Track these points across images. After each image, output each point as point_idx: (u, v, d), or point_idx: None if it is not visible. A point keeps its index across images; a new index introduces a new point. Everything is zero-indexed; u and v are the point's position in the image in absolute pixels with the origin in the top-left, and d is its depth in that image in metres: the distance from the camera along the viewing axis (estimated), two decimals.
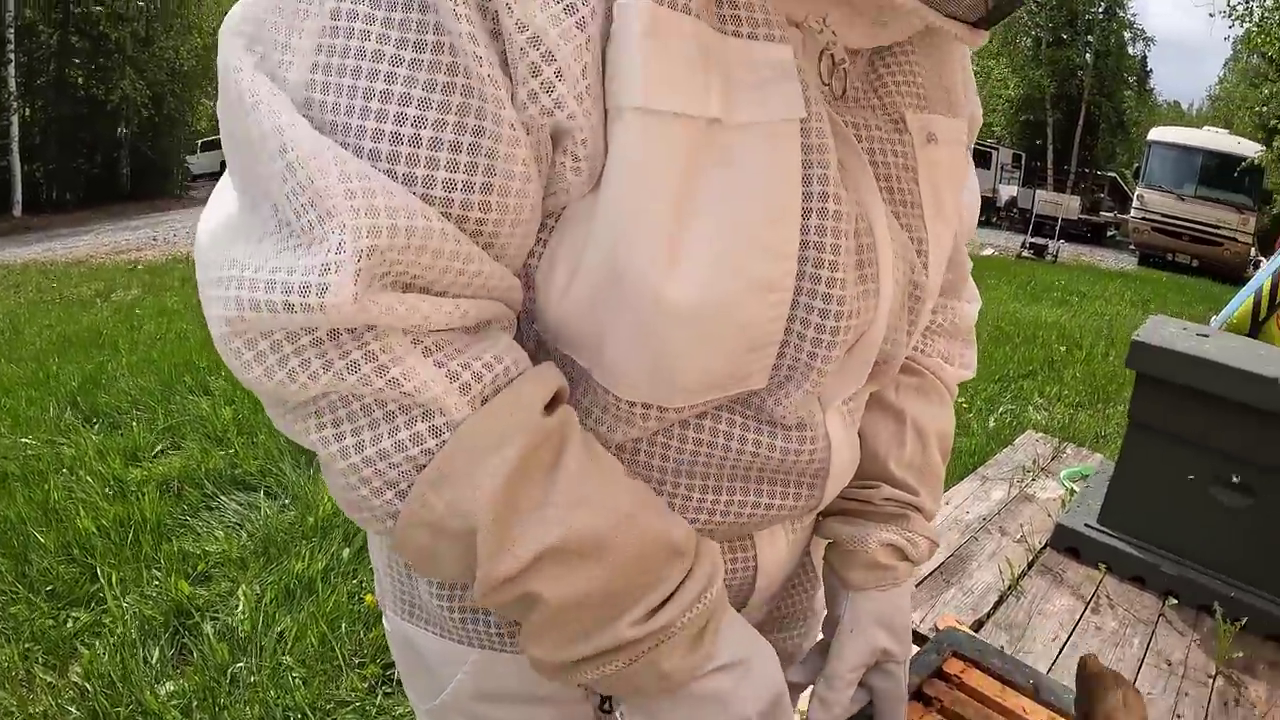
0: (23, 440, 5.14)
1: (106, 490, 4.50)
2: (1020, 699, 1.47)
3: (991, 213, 39.79)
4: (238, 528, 4.15)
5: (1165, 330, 3.58)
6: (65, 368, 6.77)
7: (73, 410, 5.75)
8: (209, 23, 35.76)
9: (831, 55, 0.93)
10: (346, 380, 0.73)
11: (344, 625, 3.27)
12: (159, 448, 5.17)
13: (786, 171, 0.82)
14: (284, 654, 3.10)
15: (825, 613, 1.34)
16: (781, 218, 0.83)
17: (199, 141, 42.78)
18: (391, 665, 3.03)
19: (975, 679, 1.51)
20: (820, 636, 1.34)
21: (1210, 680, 2.94)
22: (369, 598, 3.43)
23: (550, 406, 0.82)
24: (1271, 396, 3.00)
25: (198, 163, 42.38)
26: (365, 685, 2.94)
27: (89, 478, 4.61)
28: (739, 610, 1.10)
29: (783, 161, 0.82)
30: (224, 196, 0.81)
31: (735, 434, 0.96)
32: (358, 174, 0.68)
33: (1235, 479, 3.22)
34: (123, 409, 5.79)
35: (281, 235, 0.72)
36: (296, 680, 2.95)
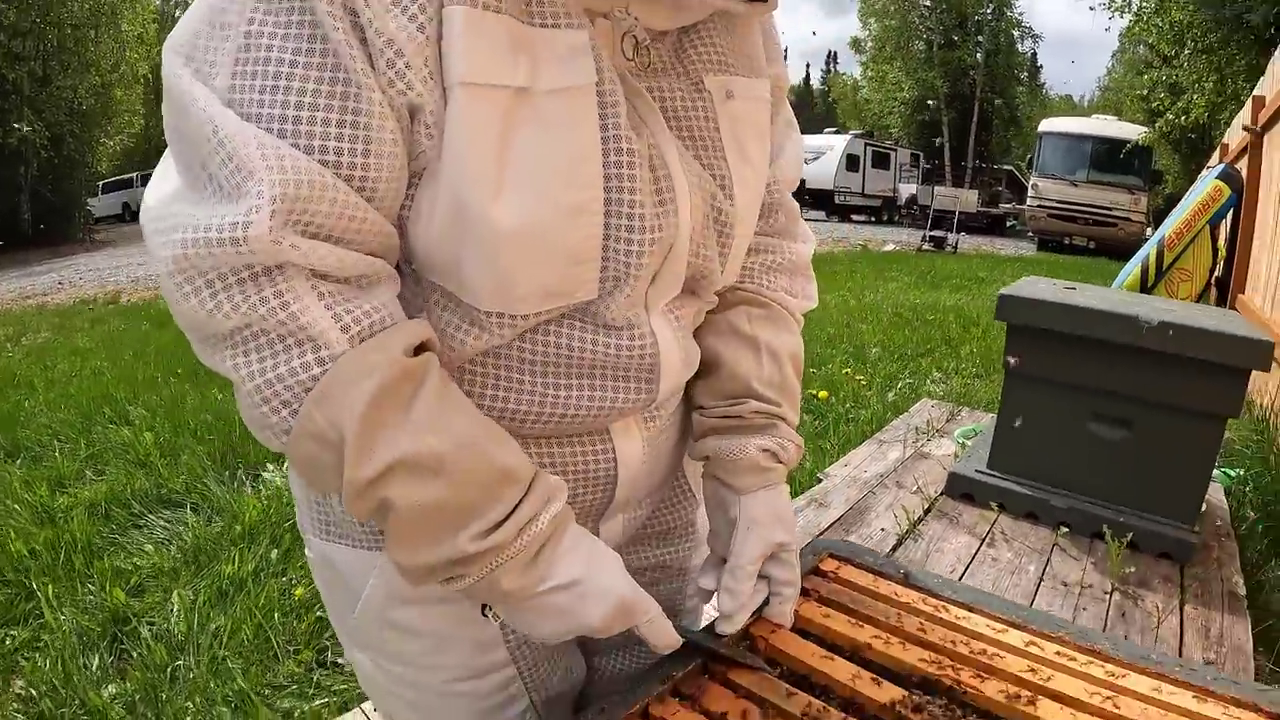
0: None
1: (35, 517, 4.57)
2: (892, 585, 1.64)
3: (893, 211, 40.45)
4: (166, 543, 4.25)
5: (1033, 286, 3.80)
6: None
7: None
8: (106, 60, 35.14)
9: (634, 36, 1.18)
10: (258, 312, 0.97)
11: (277, 617, 3.39)
12: (84, 475, 5.25)
13: (584, 123, 1.09)
14: (220, 649, 3.19)
15: (708, 530, 1.56)
16: (583, 156, 1.08)
17: (100, 184, 41.92)
18: (324, 649, 3.19)
19: (849, 573, 1.68)
20: (708, 551, 1.55)
21: (1107, 595, 3.13)
22: (298, 590, 3.55)
23: (417, 352, 1.07)
24: (1134, 332, 3.22)
25: (100, 205, 41.64)
26: (301, 669, 3.05)
27: (16, 506, 4.67)
28: (612, 501, 1.35)
29: (581, 115, 1.09)
30: (166, 175, 1.05)
31: (576, 335, 1.20)
32: (271, 145, 0.94)
33: (1110, 416, 3.45)
34: (44, 442, 5.86)
35: (214, 194, 0.97)
36: (235, 669, 3.04)
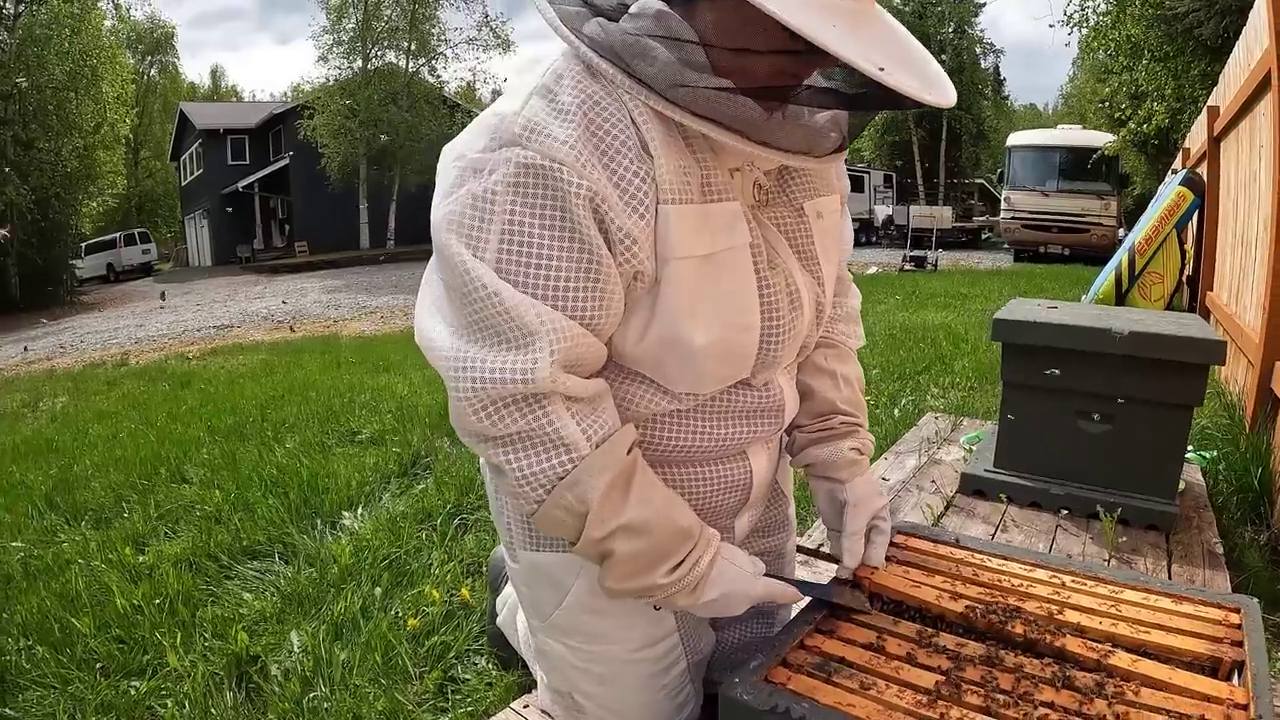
0: (12, 544, 4.98)
1: (125, 575, 4.38)
2: (948, 548, 2.16)
3: (871, 233, 40.16)
4: (263, 591, 4.13)
5: (1022, 308, 4.25)
6: (27, 475, 6.53)
7: (53, 512, 5.59)
8: (88, 122, 34.74)
9: (758, 183, 1.69)
10: (531, 425, 1.48)
11: (405, 645, 3.39)
12: (159, 533, 5.06)
13: (744, 269, 1.60)
14: (352, 677, 3.21)
15: (794, 524, 2.21)
16: (746, 291, 1.61)
17: (83, 245, 41.50)
18: (451, 666, 3.27)
19: (914, 543, 2.20)
20: (798, 538, 2.21)
21: (1106, 562, 3.48)
22: (411, 621, 3.57)
23: (630, 450, 1.58)
24: (1109, 342, 3.65)
25: (84, 267, 41.05)
26: (434, 687, 3.12)
27: (103, 565, 4.50)
28: (746, 501, 1.91)
29: (742, 265, 1.60)
30: (436, 318, 1.56)
31: (732, 393, 1.78)
32: (544, 311, 1.43)
33: (1094, 414, 3.87)
34: (106, 505, 5.62)
35: (497, 343, 1.45)
36: (374, 691, 3.09)
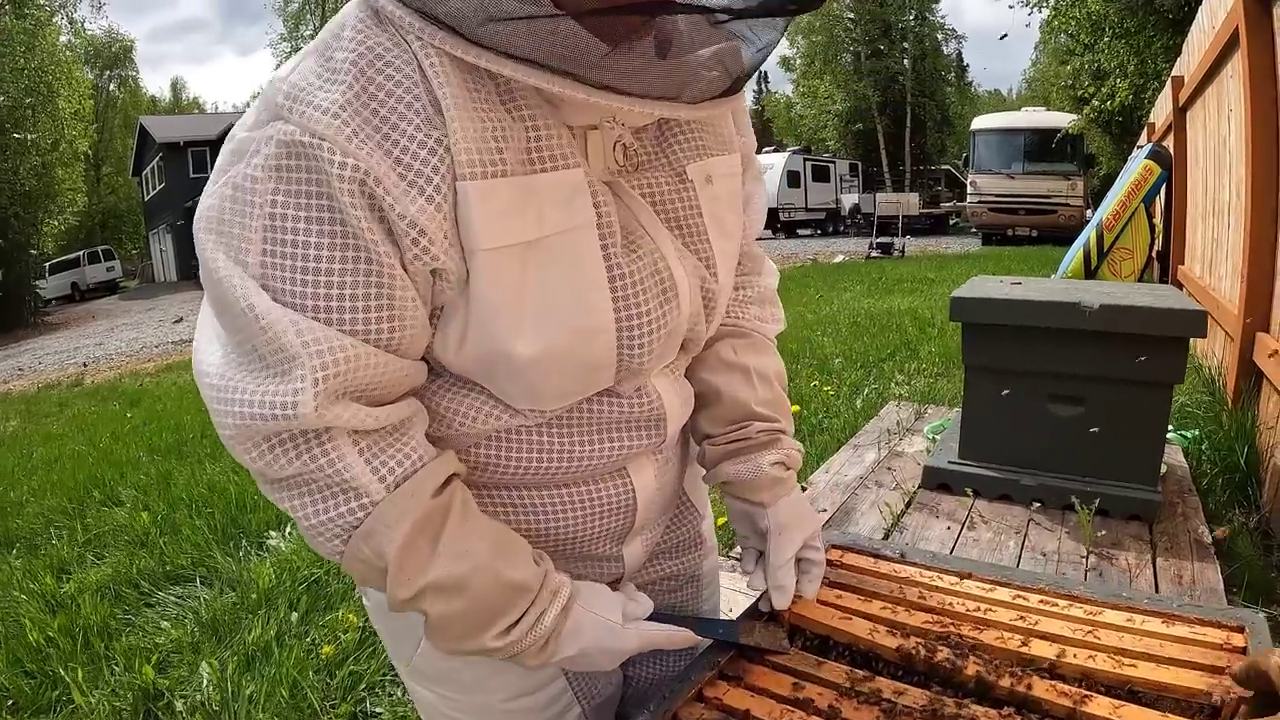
0: None
1: (44, 605, 4.47)
2: (891, 564, 1.85)
3: (838, 222, 40.59)
4: (182, 618, 4.19)
5: (982, 285, 4.01)
6: None
7: None
8: (45, 139, 34.68)
9: (623, 144, 1.36)
10: (309, 468, 1.19)
11: (311, 675, 3.41)
12: (85, 559, 5.17)
13: (589, 256, 1.26)
14: (259, 712, 3.22)
15: (714, 541, 1.91)
16: (591, 286, 1.26)
17: (46, 265, 41.43)
18: (361, 700, 3.26)
19: (851, 559, 1.88)
20: (717, 559, 1.91)
21: (1084, 559, 3.30)
22: (326, 649, 3.57)
23: (443, 486, 1.29)
24: (1078, 317, 3.42)
25: (48, 286, 41.21)
26: None
27: (23, 596, 4.58)
28: (632, 526, 1.58)
29: (585, 250, 1.25)
30: (211, 339, 1.26)
31: (593, 405, 1.43)
32: (308, 329, 1.11)
33: (1066, 393, 3.64)
34: (37, 530, 5.76)
35: (262, 369, 1.15)
36: None
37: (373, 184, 1.10)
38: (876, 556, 1.89)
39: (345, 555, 1.25)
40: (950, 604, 1.68)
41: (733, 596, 2.93)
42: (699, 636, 1.53)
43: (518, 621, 1.35)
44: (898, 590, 1.74)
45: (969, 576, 1.80)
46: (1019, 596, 1.71)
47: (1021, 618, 1.62)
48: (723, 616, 1.84)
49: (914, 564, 1.86)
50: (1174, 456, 4.30)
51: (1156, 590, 3.08)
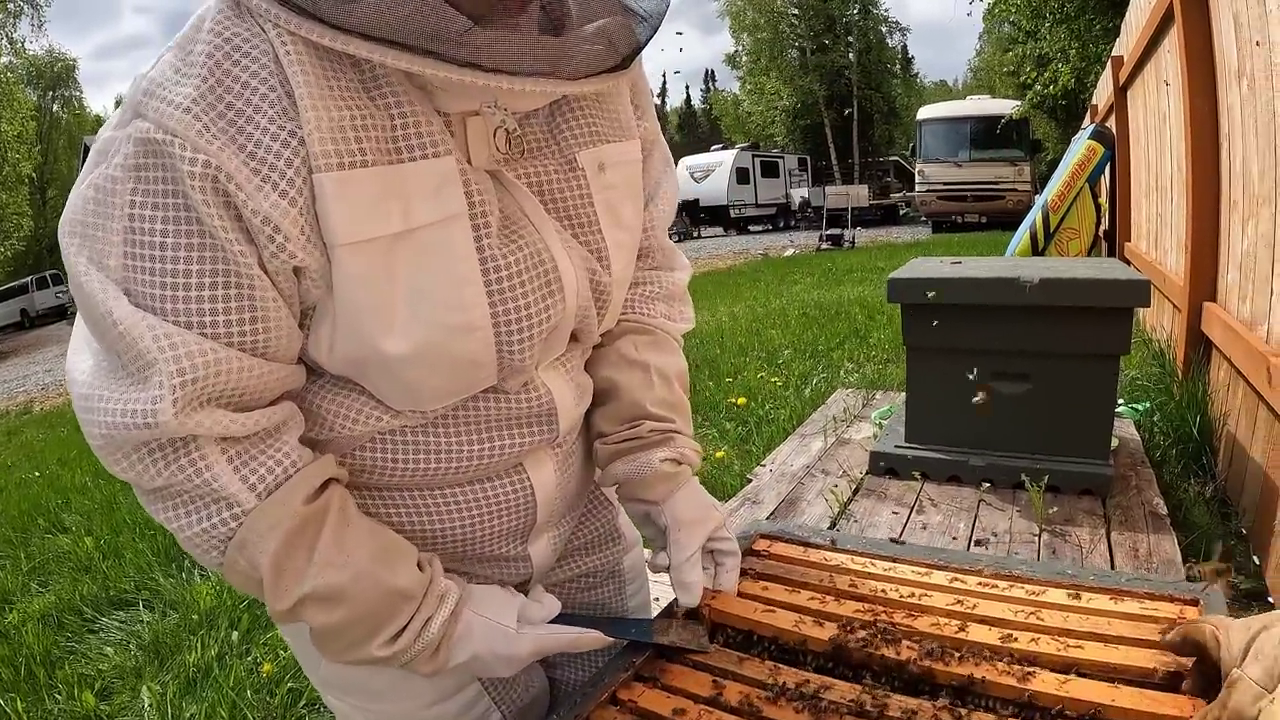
0: None
1: None
2: (822, 552, 1.76)
3: (788, 216, 40.81)
4: (125, 643, 4.16)
5: (920, 265, 3.96)
6: None
7: None
8: None
9: (505, 130, 1.26)
10: (176, 478, 1.14)
11: (250, 694, 3.38)
12: (29, 588, 5.13)
13: (461, 249, 1.19)
14: None
15: (636, 535, 1.84)
16: (463, 280, 1.20)
17: None
18: (302, 717, 3.25)
19: (780, 549, 1.80)
20: (639, 553, 1.86)
21: (1036, 537, 3.23)
22: (266, 667, 3.55)
23: (318, 492, 1.24)
24: (1017, 292, 3.37)
25: None
26: None
27: None
28: (534, 524, 1.51)
29: (457, 243, 1.19)
30: (81, 349, 1.21)
31: (480, 401, 1.35)
32: (164, 334, 1.07)
33: (1010, 370, 3.59)
34: None
35: (124, 376, 1.11)
36: None
37: (225, 180, 1.05)
38: (806, 545, 1.81)
39: (224, 566, 1.21)
40: (883, 591, 1.61)
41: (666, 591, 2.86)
42: (608, 638, 1.45)
43: (403, 629, 1.29)
44: (828, 579, 1.67)
45: (904, 560, 1.72)
46: (956, 579, 1.64)
47: (959, 602, 1.55)
48: (654, 611, 1.74)
49: (845, 550, 1.78)
50: (1125, 430, 4.26)
51: (1112, 565, 3.03)
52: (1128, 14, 8.43)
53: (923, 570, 1.66)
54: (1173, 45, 5.49)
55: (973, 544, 3.27)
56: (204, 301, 1.08)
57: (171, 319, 1.08)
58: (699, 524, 1.55)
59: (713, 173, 39.03)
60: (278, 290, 1.13)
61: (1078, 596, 1.52)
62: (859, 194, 29.90)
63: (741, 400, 6.19)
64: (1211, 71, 4.54)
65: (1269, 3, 3.26)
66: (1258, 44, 3.52)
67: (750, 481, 4.30)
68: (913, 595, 1.57)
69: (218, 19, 1.08)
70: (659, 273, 1.71)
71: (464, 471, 1.38)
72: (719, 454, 5.29)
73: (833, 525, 3.56)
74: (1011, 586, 1.58)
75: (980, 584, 1.59)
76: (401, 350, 1.19)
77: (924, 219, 32.72)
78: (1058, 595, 1.53)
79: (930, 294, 3.58)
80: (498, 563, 1.51)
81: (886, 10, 57.97)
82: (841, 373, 6.83)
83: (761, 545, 1.84)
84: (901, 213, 41.41)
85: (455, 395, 1.31)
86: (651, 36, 1.25)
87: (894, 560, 1.71)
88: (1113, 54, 9.45)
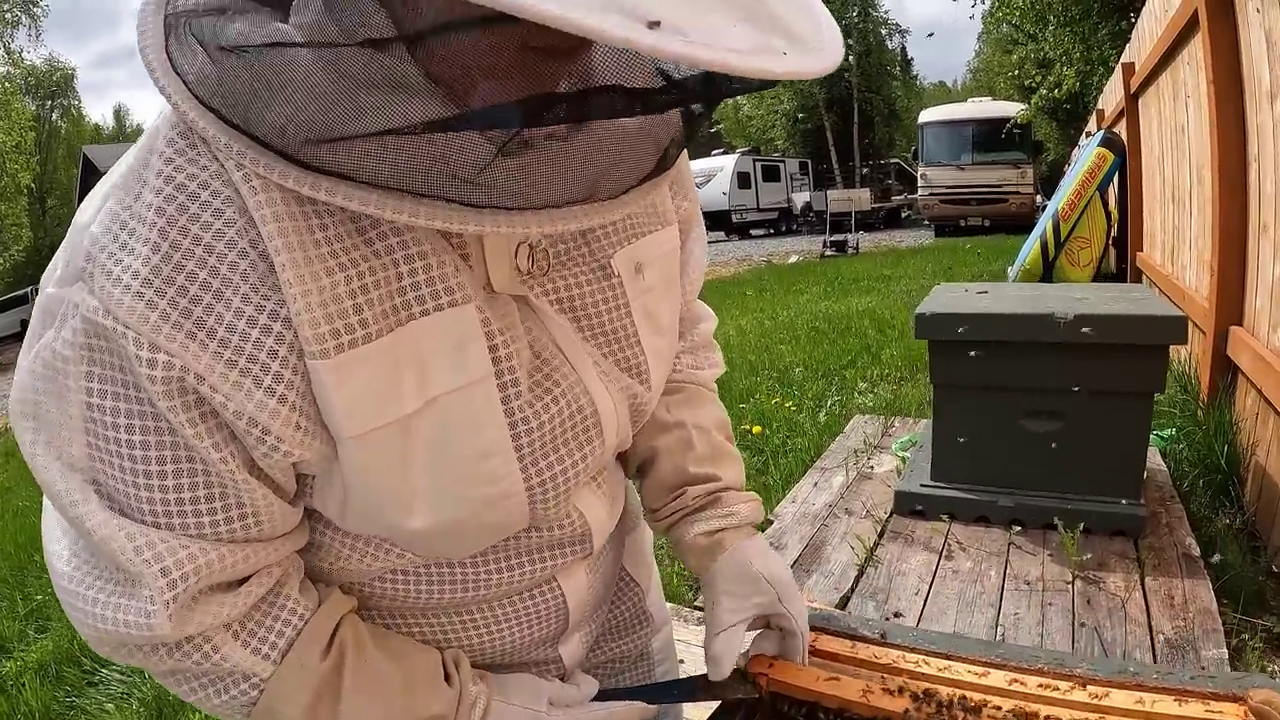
0: None
1: None
2: (870, 647, 1.65)
3: (790, 220, 40.84)
4: (126, 697, 4.00)
5: (946, 296, 3.86)
6: None
7: None
8: None
9: (528, 246, 1.10)
10: (184, 664, 1.03)
11: None
12: (26, 635, 4.91)
13: (487, 417, 1.04)
14: None
15: (665, 613, 1.73)
16: (490, 451, 1.06)
17: None
18: None
19: (825, 642, 1.68)
20: (669, 632, 1.74)
21: (1070, 585, 3.15)
22: None
23: (331, 639, 1.12)
24: (1051, 329, 3.28)
25: None
26: None
27: None
28: (566, 628, 1.39)
29: (482, 411, 1.04)
30: (57, 537, 1.08)
31: (511, 537, 1.21)
32: (146, 544, 0.94)
33: (1042, 408, 3.49)
34: None
35: (109, 579, 0.99)
36: None
37: (195, 381, 0.89)
38: (854, 639, 1.67)
39: None
40: (939, 691, 1.48)
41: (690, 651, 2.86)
42: (650, 706, 1.39)
43: None
44: (880, 680, 1.52)
45: (958, 658, 1.59)
46: (1016, 681, 1.50)
47: (1021, 708, 1.42)
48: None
49: (897, 646, 1.64)
50: (1152, 459, 4.19)
51: (1148, 615, 2.95)
52: (1140, 21, 8.34)
53: (980, 670, 1.55)
54: (1193, 57, 5.42)
55: (1005, 593, 3.19)
56: (184, 503, 0.95)
57: (150, 520, 0.95)
58: (740, 599, 1.44)
59: (714, 178, 38.96)
60: (271, 483, 1.00)
61: (1141, 700, 1.40)
62: (861, 198, 29.71)
63: (757, 429, 6.07)
64: (1239, 88, 4.42)
65: None
66: None
67: (772, 523, 4.19)
68: (970, 700, 1.46)
69: (167, 155, 0.90)
70: (685, 330, 1.59)
71: (494, 592, 1.26)
72: None
73: (860, 574, 3.47)
74: (1072, 689, 1.46)
75: (1041, 685, 1.47)
76: (424, 526, 1.07)
77: (926, 222, 32.65)
78: (1121, 698, 1.42)
79: (961, 330, 3.50)
80: (527, 667, 1.39)
81: (886, 12, 58.15)
82: (856, 394, 6.74)
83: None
84: (904, 215, 41.46)
85: (478, 548, 1.20)
86: (703, 123, 1.03)
87: (949, 659, 1.59)
88: (1123, 60, 9.37)
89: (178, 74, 0.86)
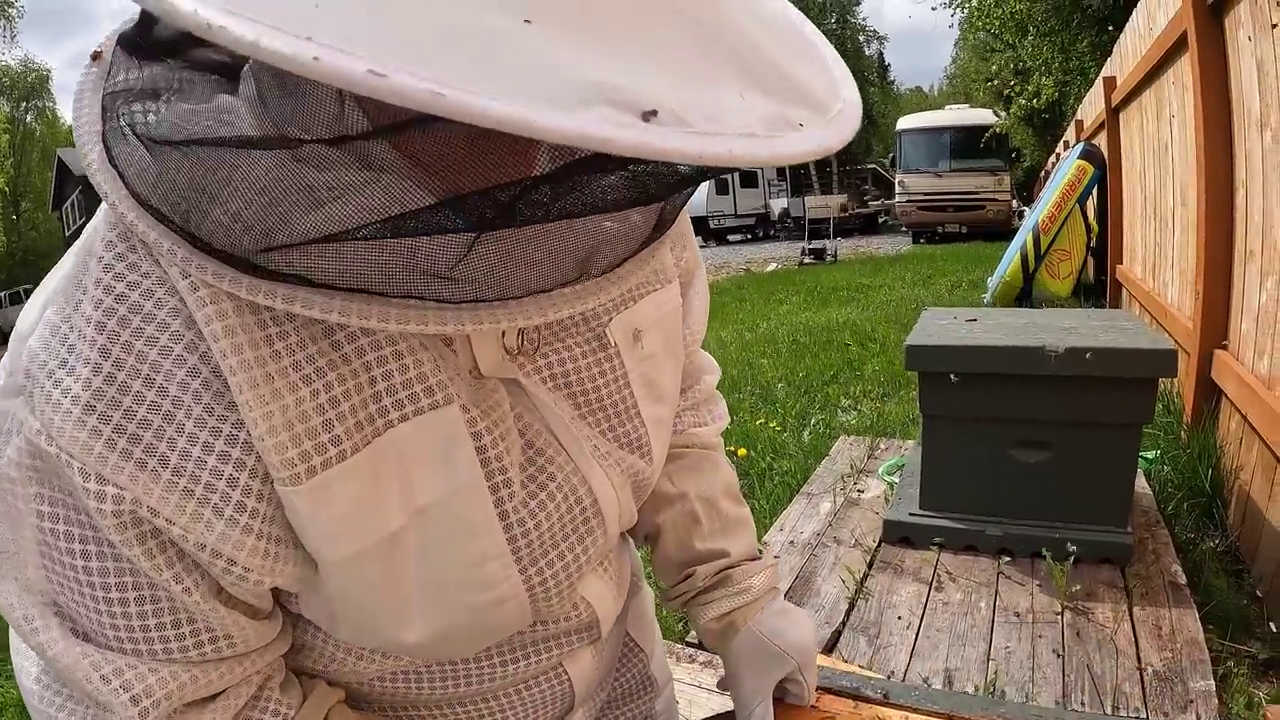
0: None
1: None
2: (874, 709, 1.63)
3: (768, 226, 40.91)
4: None
5: (935, 325, 3.87)
6: None
7: None
8: None
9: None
10: None
11: None
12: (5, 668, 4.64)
13: (480, 523, 0.96)
14: None
15: (668, 674, 1.67)
16: (486, 557, 0.98)
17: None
18: None
19: (828, 702, 1.67)
20: (672, 698, 1.67)
21: (1059, 616, 3.15)
22: None
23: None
24: (1042, 362, 3.28)
25: None
26: None
27: None
28: (569, 710, 1.32)
29: (475, 517, 0.96)
30: (24, 651, 0.99)
31: (517, 632, 1.14)
32: (113, 672, 0.86)
33: (1030, 438, 3.50)
34: None
35: (81, 704, 0.92)
36: None
37: (148, 514, 0.81)
38: (857, 699, 1.65)
39: None
40: None
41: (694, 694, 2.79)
42: None
43: None
44: None
45: (960, 718, 1.57)
46: None
47: None
48: None
49: (901, 707, 1.62)
50: (1137, 482, 4.19)
51: (1137, 648, 2.96)
52: (1123, 36, 8.39)
53: None
54: (1179, 77, 5.46)
55: (995, 627, 3.18)
56: (149, 629, 0.87)
57: (115, 646, 0.87)
58: (761, 674, 1.40)
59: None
60: (243, 606, 0.92)
61: None
62: (839, 204, 29.86)
63: (742, 451, 6.02)
64: (1227, 113, 4.45)
65: None
66: None
67: (762, 551, 4.07)
68: None
69: (105, 259, 0.81)
70: (688, 387, 1.50)
71: (500, 683, 1.20)
72: None
73: (851, 607, 3.45)
74: None
75: None
76: (421, 639, 1.00)
77: (903, 229, 32.76)
78: None
79: (953, 376, 3.51)
80: None
81: (864, 19, 58.38)
82: (839, 412, 6.73)
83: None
84: (881, 221, 41.58)
85: (476, 649, 1.13)
86: (700, 181, 0.86)
87: (950, 717, 1.57)
88: (1105, 74, 9.42)
89: (115, 167, 0.78)
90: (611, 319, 1.11)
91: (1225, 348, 4.46)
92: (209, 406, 0.80)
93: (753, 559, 1.48)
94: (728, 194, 40.57)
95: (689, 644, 3.21)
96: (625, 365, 1.12)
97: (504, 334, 1.00)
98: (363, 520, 0.89)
